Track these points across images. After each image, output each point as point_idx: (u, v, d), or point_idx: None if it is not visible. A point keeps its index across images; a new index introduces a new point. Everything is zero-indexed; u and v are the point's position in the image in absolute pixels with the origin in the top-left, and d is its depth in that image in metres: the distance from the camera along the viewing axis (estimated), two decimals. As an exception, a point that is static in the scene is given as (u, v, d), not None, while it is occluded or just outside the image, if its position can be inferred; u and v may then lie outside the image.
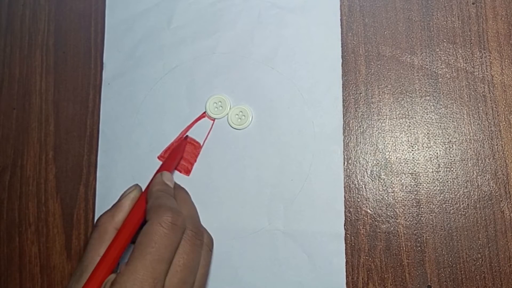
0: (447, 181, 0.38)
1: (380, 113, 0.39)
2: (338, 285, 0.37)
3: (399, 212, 0.38)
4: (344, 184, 0.38)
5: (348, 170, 0.39)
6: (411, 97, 0.39)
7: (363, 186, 0.38)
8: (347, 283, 0.37)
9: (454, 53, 0.39)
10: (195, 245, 0.30)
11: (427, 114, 0.39)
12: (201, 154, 0.40)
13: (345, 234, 0.38)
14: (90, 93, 0.44)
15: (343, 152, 0.39)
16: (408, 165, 0.38)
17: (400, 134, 0.39)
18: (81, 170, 0.42)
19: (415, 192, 0.38)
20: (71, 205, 0.42)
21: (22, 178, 0.43)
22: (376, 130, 0.39)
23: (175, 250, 0.29)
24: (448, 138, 0.38)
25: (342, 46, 0.40)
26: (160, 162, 0.40)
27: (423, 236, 0.37)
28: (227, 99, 0.41)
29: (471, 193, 0.37)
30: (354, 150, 0.39)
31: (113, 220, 0.32)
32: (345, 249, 0.37)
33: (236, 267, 0.38)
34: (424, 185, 0.38)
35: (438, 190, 0.38)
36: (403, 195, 0.38)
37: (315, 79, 0.40)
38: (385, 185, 0.38)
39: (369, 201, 0.38)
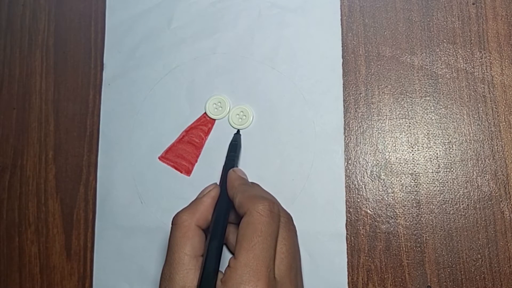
0: (447, 182, 0.38)
1: (380, 114, 0.39)
2: (340, 285, 0.37)
3: (399, 212, 0.38)
4: (344, 184, 0.38)
5: (348, 171, 0.39)
6: (411, 97, 0.39)
7: (363, 186, 0.38)
8: (347, 283, 0.37)
9: (454, 53, 0.39)
10: (290, 230, 0.31)
11: (427, 115, 0.39)
12: (202, 154, 0.40)
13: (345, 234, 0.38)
14: (90, 93, 0.44)
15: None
16: (408, 165, 0.38)
17: (400, 134, 0.39)
18: (81, 170, 0.42)
19: (415, 193, 0.38)
20: (71, 205, 0.42)
21: (22, 178, 0.43)
22: (376, 131, 0.39)
23: (277, 237, 0.29)
24: (448, 139, 0.38)
25: (342, 46, 0.40)
26: (161, 163, 0.41)
27: (423, 236, 0.37)
28: (226, 99, 0.41)
29: (471, 194, 0.37)
30: (354, 150, 0.39)
31: (194, 217, 0.31)
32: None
33: (236, 267, 0.38)
34: (424, 185, 0.38)
35: (438, 190, 0.38)
36: (403, 196, 0.38)
37: (316, 79, 0.40)
38: (385, 186, 0.38)
39: (369, 201, 0.38)
